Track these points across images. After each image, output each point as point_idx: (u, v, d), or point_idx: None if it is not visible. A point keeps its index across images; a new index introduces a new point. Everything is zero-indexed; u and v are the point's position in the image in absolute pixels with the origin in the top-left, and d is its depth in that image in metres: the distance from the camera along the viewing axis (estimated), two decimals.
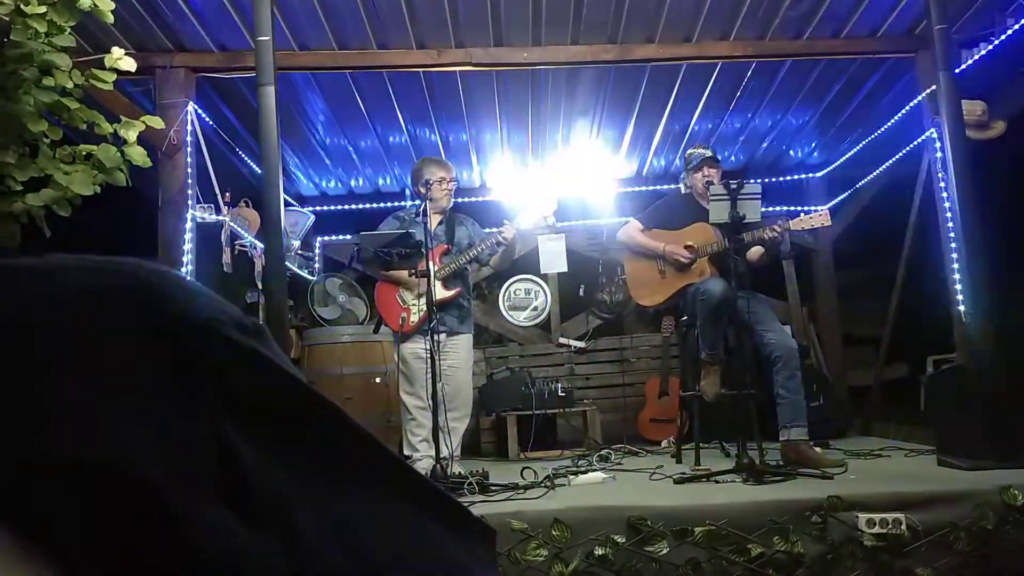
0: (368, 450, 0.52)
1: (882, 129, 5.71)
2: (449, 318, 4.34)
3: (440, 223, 4.47)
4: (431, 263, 4.24)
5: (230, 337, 0.46)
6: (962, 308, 4.39)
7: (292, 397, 0.48)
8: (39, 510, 0.36)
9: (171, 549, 0.38)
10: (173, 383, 0.42)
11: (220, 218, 4.62)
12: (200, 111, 4.55)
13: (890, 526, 2.80)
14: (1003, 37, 4.40)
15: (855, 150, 6.30)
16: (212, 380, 0.44)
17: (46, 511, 0.36)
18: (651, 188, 6.88)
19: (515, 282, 6.76)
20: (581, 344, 6.63)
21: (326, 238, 6.97)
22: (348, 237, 6.86)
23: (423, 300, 4.11)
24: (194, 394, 0.43)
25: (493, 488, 3.51)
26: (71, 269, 0.44)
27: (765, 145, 6.52)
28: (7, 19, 2.81)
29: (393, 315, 4.30)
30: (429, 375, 3.97)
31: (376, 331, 4.55)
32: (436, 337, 4.06)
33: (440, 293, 4.28)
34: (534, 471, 3.72)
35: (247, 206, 5.23)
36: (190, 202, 4.38)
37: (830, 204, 6.60)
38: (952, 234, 4.49)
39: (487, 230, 4.67)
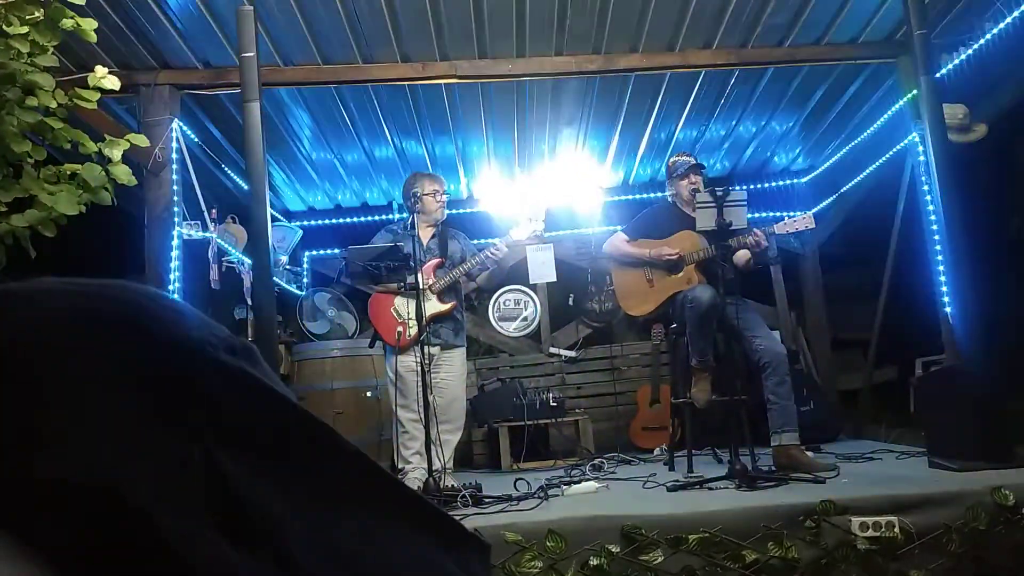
0: (359, 468, 0.51)
1: (865, 134, 5.76)
2: (445, 331, 4.35)
3: (433, 236, 4.48)
4: (427, 277, 4.26)
5: (219, 359, 0.46)
6: (949, 309, 4.41)
7: (282, 418, 0.48)
8: (29, 534, 0.36)
9: (160, 570, 0.38)
10: (162, 407, 0.42)
11: (207, 235, 4.60)
12: (185, 128, 4.54)
13: (883, 529, 2.81)
14: (982, 41, 4.44)
15: (839, 155, 6.35)
16: (201, 403, 0.44)
17: (36, 535, 0.36)
18: (638, 197, 6.90)
19: (504, 293, 6.75)
20: (571, 353, 6.63)
21: (314, 252, 6.95)
22: (336, 251, 6.84)
23: None
24: (184, 417, 0.42)
25: (486, 500, 3.50)
26: (57, 293, 0.44)
27: (750, 152, 6.55)
28: None
29: (389, 329, 4.28)
30: (422, 388, 3.96)
31: (372, 345, 4.53)
32: (430, 350, 4.06)
33: (437, 307, 4.28)
34: (527, 482, 3.71)
35: (234, 222, 5.22)
36: (176, 219, 4.36)
37: (816, 209, 6.62)
38: (936, 236, 4.52)
39: (475, 242, 4.68)
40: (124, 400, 0.41)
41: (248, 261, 4.92)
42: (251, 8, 3.65)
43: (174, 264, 4.28)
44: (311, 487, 0.47)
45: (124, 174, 3.26)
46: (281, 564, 0.42)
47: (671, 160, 4.59)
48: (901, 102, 5.01)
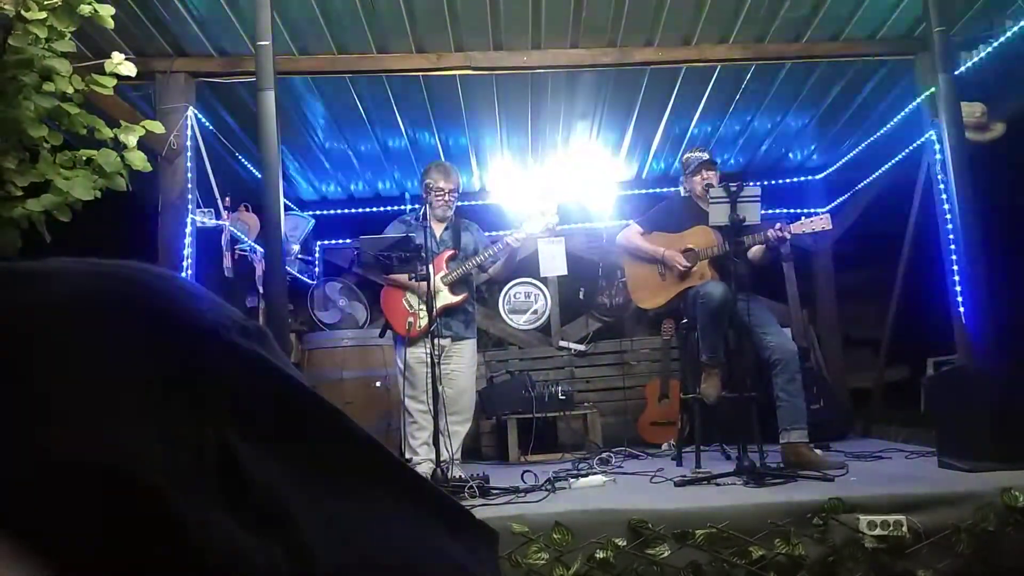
0: (370, 453, 0.51)
1: (882, 131, 5.72)
2: (455, 323, 4.36)
3: (446, 228, 4.48)
4: (439, 268, 4.27)
5: (233, 341, 0.46)
6: (961, 309, 4.39)
7: (294, 401, 0.48)
8: (40, 514, 0.36)
9: (173, 554, 0.38)
10: (175, 387, 0.42)
11: (220, 222, 4.62)
12: (200, 116, 4.55)
13: (891, 528, 2.80)
14: (1002, 39, 4.40)
15: (855, 152, 6.31)
16: (214, 384, 0.44)
17: (47, 515, 0.36)
18: (651, 191, 6.88)
19: (515, 285, 6.76)
20: (581, 347, 6.63)
21: (326, 242, 6.97)
22: (348, 241, 6.86)
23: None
24: (196, 398, 0.42)
25: (494, 491, 3.51)
26: (72, 272, 0.43)
27: (765, 148, 6.52)
28: (10, 13, 2.80)
29: (400, 320, 4.29)
30: (431, 379, 3.97)
31: (382, 335, 4.54)
32: (439, 342, 4.06)
33: (448, 298, 4.29)
34: (535, 474, 3.71)
35: (247, 210, 5.23)
36: (190, 206, 4.38)
37: (830, 206, 6.60)
38: (951, 236, 4.49)
39: (488, 234, 4.68)
40: (136, 380, 0.41)
41: (261, 250, 4.94)
42: None
43: (187, 251, 4.30)
44: (321, 471, 0.47)
45: (139, 160, 3.27)
46: (291, 546, 0.42)
47: (685, 156, 4.58)
48: (918, 100, 4.97)
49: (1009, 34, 4.36)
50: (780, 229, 3.97)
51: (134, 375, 0.41)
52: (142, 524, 0.37)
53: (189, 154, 4.40)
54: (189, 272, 4.26)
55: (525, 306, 6.78)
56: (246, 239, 5.04)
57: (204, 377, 0.43)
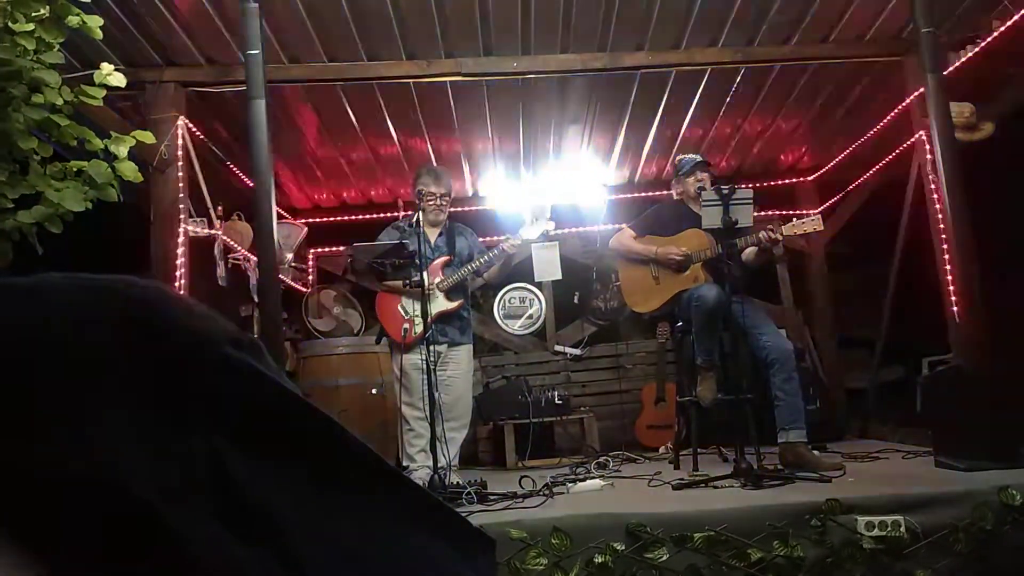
0: (366, 463, 0.51)
1: (872, 132, 5.74)
2: (451, 329, 4.35)
3: (440, 234, 4.47)
4: (434, 275, 4.26)
5: (225, 353, 0.46)
6: (955, 308, 4.40)
7: (287, 412, 0.48)
8: (35, 525, 0.37)
9: (166, 564, 0.38)
10: (168, 400, 0.42)
11: (213, 232, 4.61)
12: (191, 125, 4.54)
13: (889, 528, 2.80)
14: (990, 39, 4.42)
15: (846, 153, 6.33)
16: (207, 397, 0.44)
17: (42, 526, 0.37)
18: (643, 195, 6.89)
19: (509, 291, 6.75)
20: (577, 351, 6.63)
21: (319, 250, 6.95)
22: (341, 248, 6.84)
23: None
24: (189, 411, 0.43)
25: (491, 497, 3.50)
26: (66, 288, 0.44)
27: (756, 150, 6.53)
28: None
29: (395, 326, 4.28)
30: (427, 385, 3.97)
31: (378, 342, 4.53)
32: (436, 348, 4.05)
33: (444, 305, 4.28)
34: (532, 480, 3.71)
35: (239, 219, 5.23)
36: (182, 216, 4.36)
37: (822, 208, 6.62)
38: (943, 235, 4.51)
39: (481, 239, 4.68)
40: (129, 394, 0.41)
41: (254, 258, 4.93)
42: (256, 5, 3.65)
43: (180, 261, 4.28)
44: (316, 481, 0.47)
45: (130, 171, 3.26)
46: (283, 557, 0.43)
47: (677, 158, 4.59)
48: (908, 100, 4.99)
49: (996, 33, 4.38)
50: (772, 231, 3.98)
51: (126, 389, 0.41)
52: (135, 534, 0.38)
53: (180, 164, 4.39)
54: (182, 282, 4.25)
55: (520, 311, 6.78)
56: (239, 248, 5.02)
57: (196, 389, 0.44)
